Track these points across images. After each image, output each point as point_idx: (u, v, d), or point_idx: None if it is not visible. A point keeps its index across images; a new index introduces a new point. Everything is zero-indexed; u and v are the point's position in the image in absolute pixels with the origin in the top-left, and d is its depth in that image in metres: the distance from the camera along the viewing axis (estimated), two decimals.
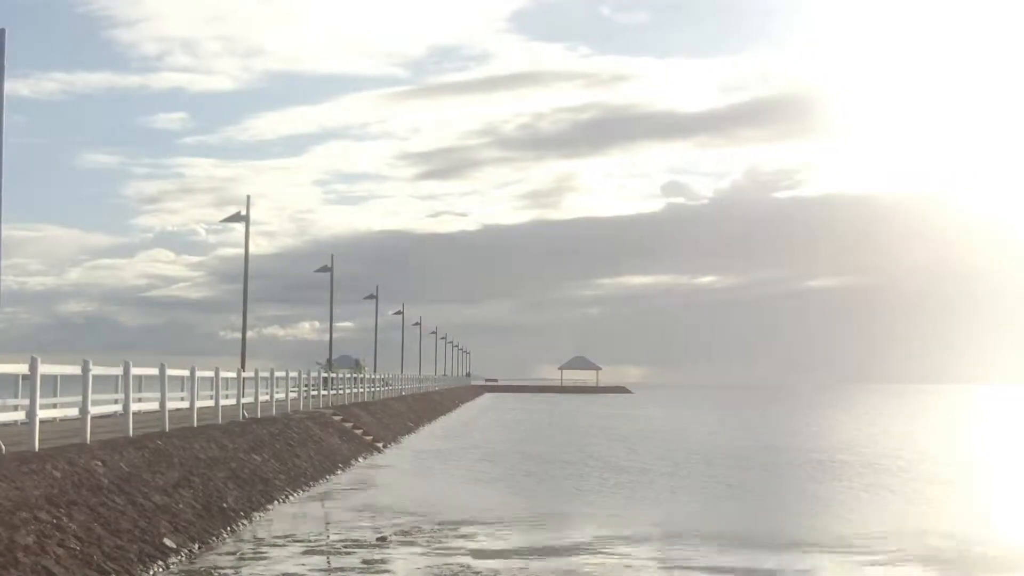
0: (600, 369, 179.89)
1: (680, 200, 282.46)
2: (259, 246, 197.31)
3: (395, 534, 17.82)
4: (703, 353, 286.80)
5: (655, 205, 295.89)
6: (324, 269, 56.02)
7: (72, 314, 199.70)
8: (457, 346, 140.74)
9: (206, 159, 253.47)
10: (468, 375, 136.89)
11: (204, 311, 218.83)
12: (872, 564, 16.12)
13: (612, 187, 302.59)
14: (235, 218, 38.34)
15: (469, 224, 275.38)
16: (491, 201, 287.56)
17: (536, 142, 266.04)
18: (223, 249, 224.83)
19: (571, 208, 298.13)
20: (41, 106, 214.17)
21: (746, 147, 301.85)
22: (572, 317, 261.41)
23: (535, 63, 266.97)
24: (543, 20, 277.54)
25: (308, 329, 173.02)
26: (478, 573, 14.62)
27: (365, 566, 15.03)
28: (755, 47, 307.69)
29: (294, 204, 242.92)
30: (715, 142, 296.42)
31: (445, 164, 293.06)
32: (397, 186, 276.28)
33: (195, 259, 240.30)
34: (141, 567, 13.59)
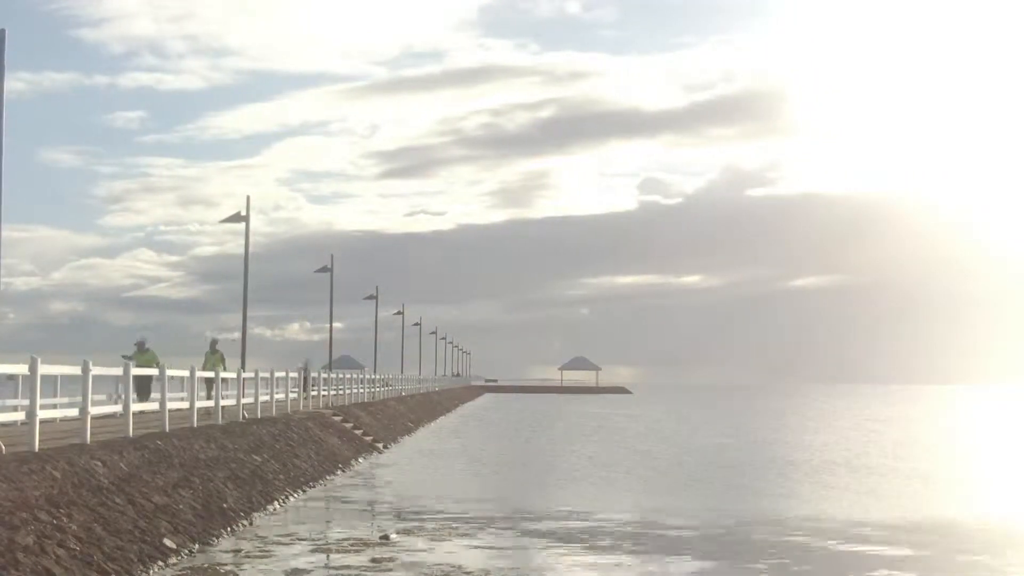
0: (600, 370, 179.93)
1: (656, 199, 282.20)
2: (240, 246, 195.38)
3: (398, 533, 17.84)
4: (696, 354, 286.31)
5: (630, 204, 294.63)
6: (324, 270, 56.02)
7: (58, 314, 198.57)
8: (457, 346, 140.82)
9: (172, 158, 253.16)
10: (457, 375, 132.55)
11: (189, 311, 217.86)
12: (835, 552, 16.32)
13: (584, 186, 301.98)
14: (235, 218, 38.37)
15: (445, 224, 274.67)
16: (462, 200, 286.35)
17: (499, 140, 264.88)
18: (200, 248, 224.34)
19: (545, 207, 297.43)
20: (8, 105, 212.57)
21: (717, 145, 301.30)
22: (562, 317, 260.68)
23: (489, 59, 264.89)
24: (498, 16, 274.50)
25: (297, 330, 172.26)
26: (471, 572, 14.62)
27: (374, 564, 15.02)
28: (714, 43, 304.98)
29: (265, 203, 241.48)
30: (684, 140, 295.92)
31: (409, 162, 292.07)
32: (364, 185, 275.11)
33: (175, 259, 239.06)
34: (141, 567, 13.58)
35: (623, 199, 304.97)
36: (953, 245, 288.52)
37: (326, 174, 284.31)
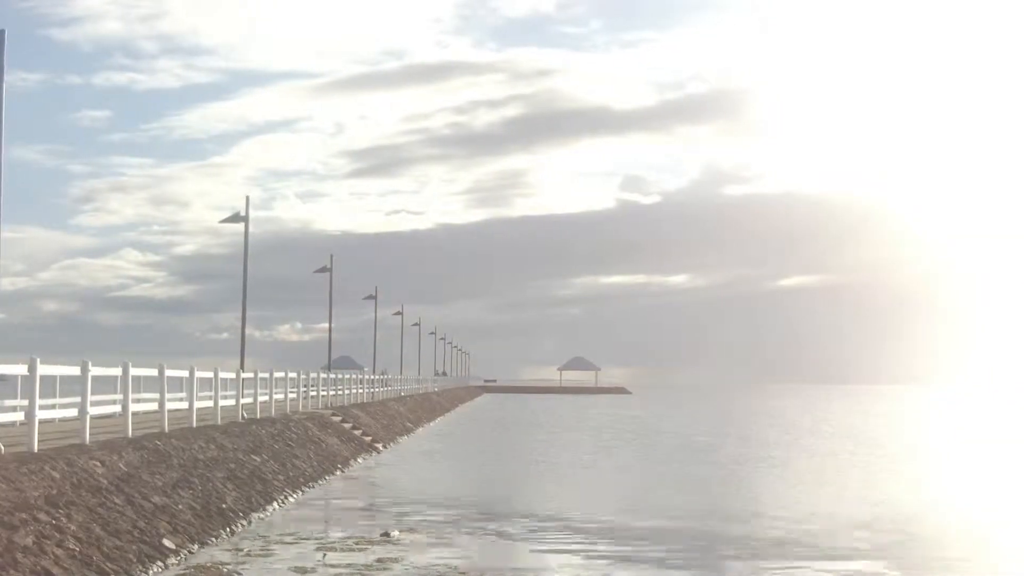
0: (599, 370, 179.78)
1: (635, 197, 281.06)
2: (222, 246, 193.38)
3: (400, 531, 17.81)
4: (690, 353, 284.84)
5: (609, 202, 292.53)
6: (323, 270, 55.97)
7: (47, 314, 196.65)
8: (456, 347, 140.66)
9: (142, 158, 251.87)
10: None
11: (178, 312, 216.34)
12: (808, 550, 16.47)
13: (560, 185, 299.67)
14: (234, 218, 38.39)
15: (424, 223, 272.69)
16: (438, 200, 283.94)
17: (468, 139, 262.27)
18: (182, 248, 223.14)
19: (522, 206, 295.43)
20: None
21: (690, 143, 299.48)
22: (553, 317, 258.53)
23: (451, 56, 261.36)
24: (462, 13, 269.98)
25: (288, 331, 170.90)
26: (474, 571, 14.63)
27: (379, 563, 14.99)
28: (678, 38, 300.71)
29: (240, 202, 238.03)
30: (657, 138, 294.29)
31: (379, 161, 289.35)
32: (336, 184, 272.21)
33: (158, 259, 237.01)
34: (140, 568, 13.54)
35: (601, 198, 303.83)
36: (937, 245, 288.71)
37: (297, 173, 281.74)
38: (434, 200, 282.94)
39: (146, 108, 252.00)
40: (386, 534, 17.48)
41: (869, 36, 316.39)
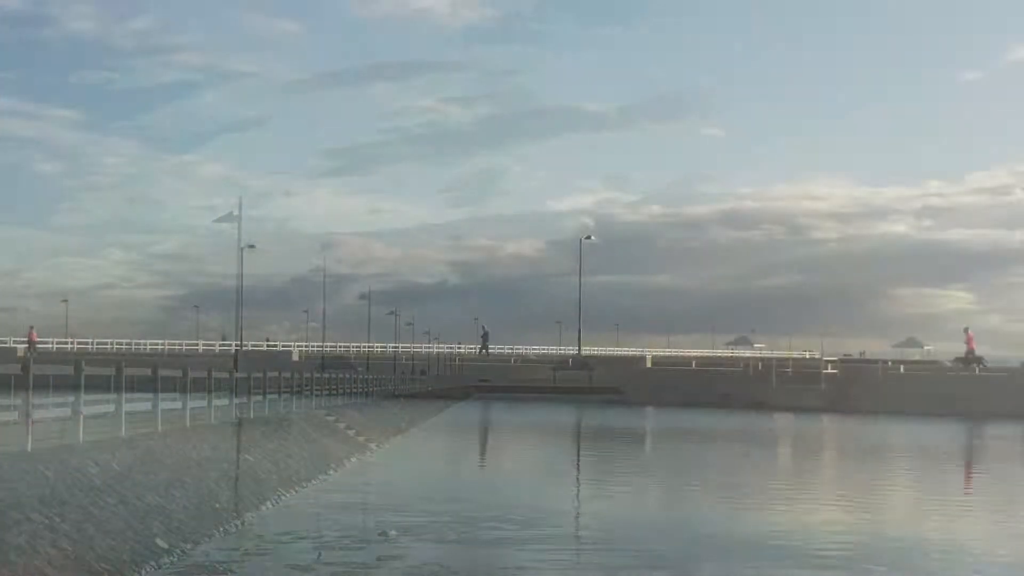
0: (593, 370, 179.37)
1: (616, 196, 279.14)
2: (200, 246, 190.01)
3: (395, 531, 17.80)
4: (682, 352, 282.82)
5: (587, 202, 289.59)
6: (318, 269, 56.01)
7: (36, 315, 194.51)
8: (450, 347, 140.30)
9: (118, 157, 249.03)
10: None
11: (168, 312, 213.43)
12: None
13: (537, 184, 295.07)
14: (227, 218, 38.45)
15: (404, 222, 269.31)
16: (416, 199, 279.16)
17: (442, 137, 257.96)
18: (162, 247, 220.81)
19: (501, 205, 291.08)
20: None
21: (667, 142, 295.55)
22: (541, 316, 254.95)
23: (423, 55, 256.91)
24: (430, 9, 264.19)
25: (276, 330, 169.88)
26: (471, 570, 14.63)
27: (378, 562, 14.98)
28: (649, 34, 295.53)
29: (223, 201, 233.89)
30: (632, 137, 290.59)
31: (355, 160, 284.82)
32: (313, 183, 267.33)
33: (141, 258, 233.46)
34: (134, 567, 13.50)
35: (580, 197, 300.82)
36: (923, 245, 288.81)
37: (274, 172, 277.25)
38: (413, 199, 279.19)
39: (121, 106, 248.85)
40: (383, 533, 17.46)
41: (851, 31, 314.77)
